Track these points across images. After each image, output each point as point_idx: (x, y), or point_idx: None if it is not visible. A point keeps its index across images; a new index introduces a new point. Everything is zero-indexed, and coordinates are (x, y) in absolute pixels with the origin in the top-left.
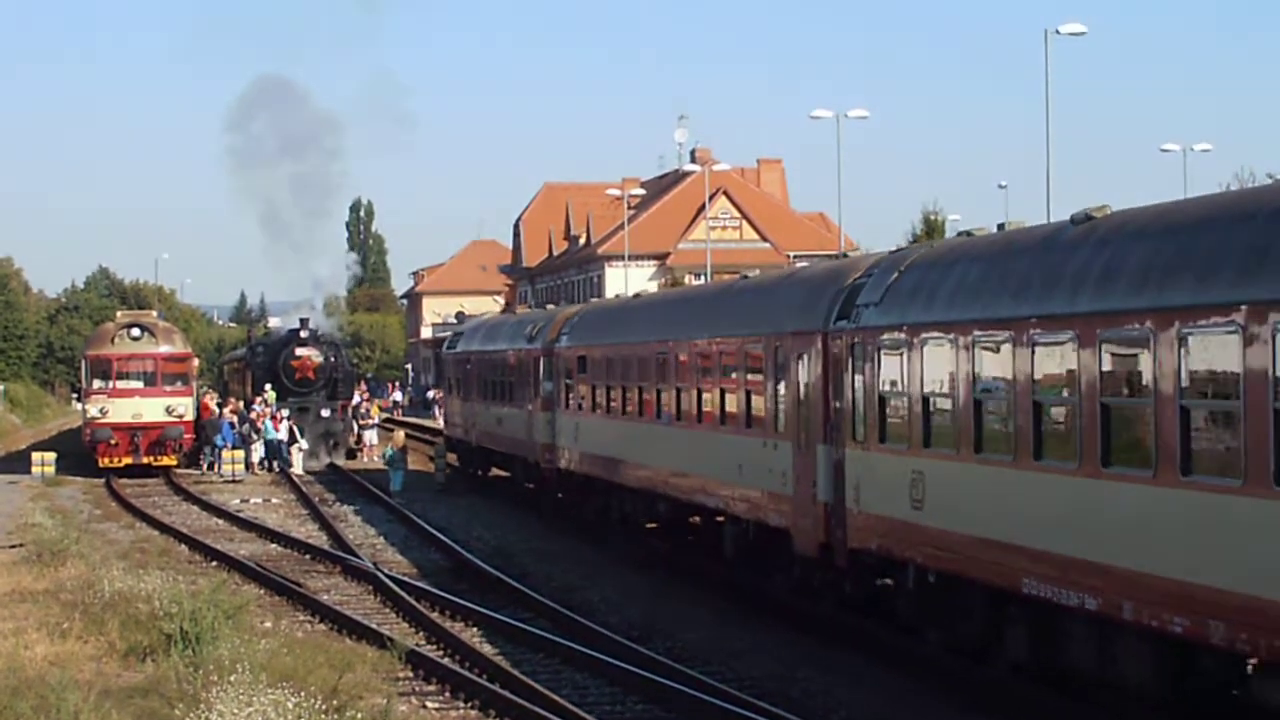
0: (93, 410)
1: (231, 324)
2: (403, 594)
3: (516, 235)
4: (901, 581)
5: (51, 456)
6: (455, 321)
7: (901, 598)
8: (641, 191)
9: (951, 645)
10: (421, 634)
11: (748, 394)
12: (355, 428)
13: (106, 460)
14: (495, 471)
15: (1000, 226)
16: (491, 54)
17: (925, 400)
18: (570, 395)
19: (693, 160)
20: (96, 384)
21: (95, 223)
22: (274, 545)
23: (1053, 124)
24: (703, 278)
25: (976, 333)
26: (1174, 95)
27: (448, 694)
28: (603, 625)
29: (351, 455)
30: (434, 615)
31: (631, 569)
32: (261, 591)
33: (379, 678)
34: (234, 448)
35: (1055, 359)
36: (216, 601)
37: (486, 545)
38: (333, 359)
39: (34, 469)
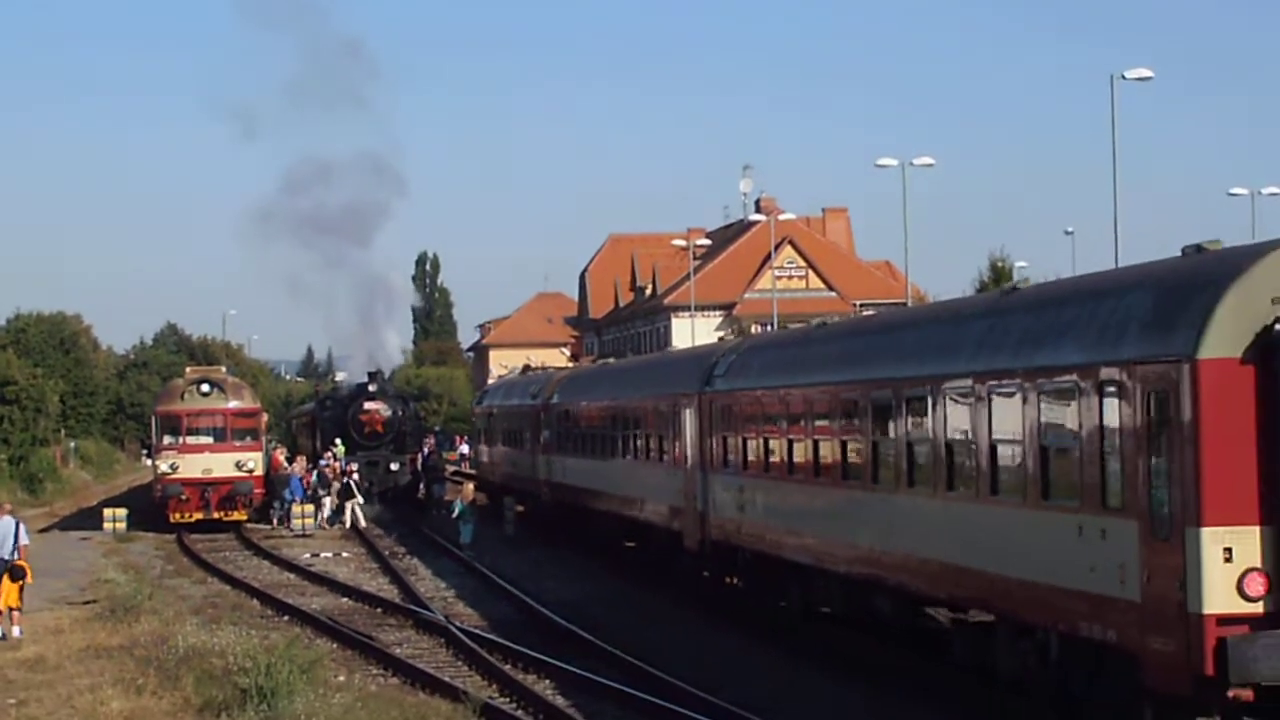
0: (163, 466)
1: (299, 379)
2: (475, 647)
3: (582, 287)
4: (738, 562)
5: (123, 512)
6: (531, 371)
7: (739, 575)
8: (707, 242)
9: (769, 603)
10: (495, 687)
11: (660, 437)
12: (427, 481)
13: (177, 516)
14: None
15: (810, 323)
16: (554, 106)
17: (743, 439)
18: (559, 441)
19: (758, 210)
20: (167, 440)
21: (162, 279)
22: (345, 599)
23: (1120, 169)
24: (769, 327)
25: (763, 394)
26: (1242, 138)
27: None
28: (675, 677)
29: (424, 508)
30: (507, 668)
31: (702, 619)
32: (334, 646)
33: None
34: (303, 502)
35: (803, 411)
36: (291, 656)
37: (557, 597)
38: (401, 412)
39: (105, 525)
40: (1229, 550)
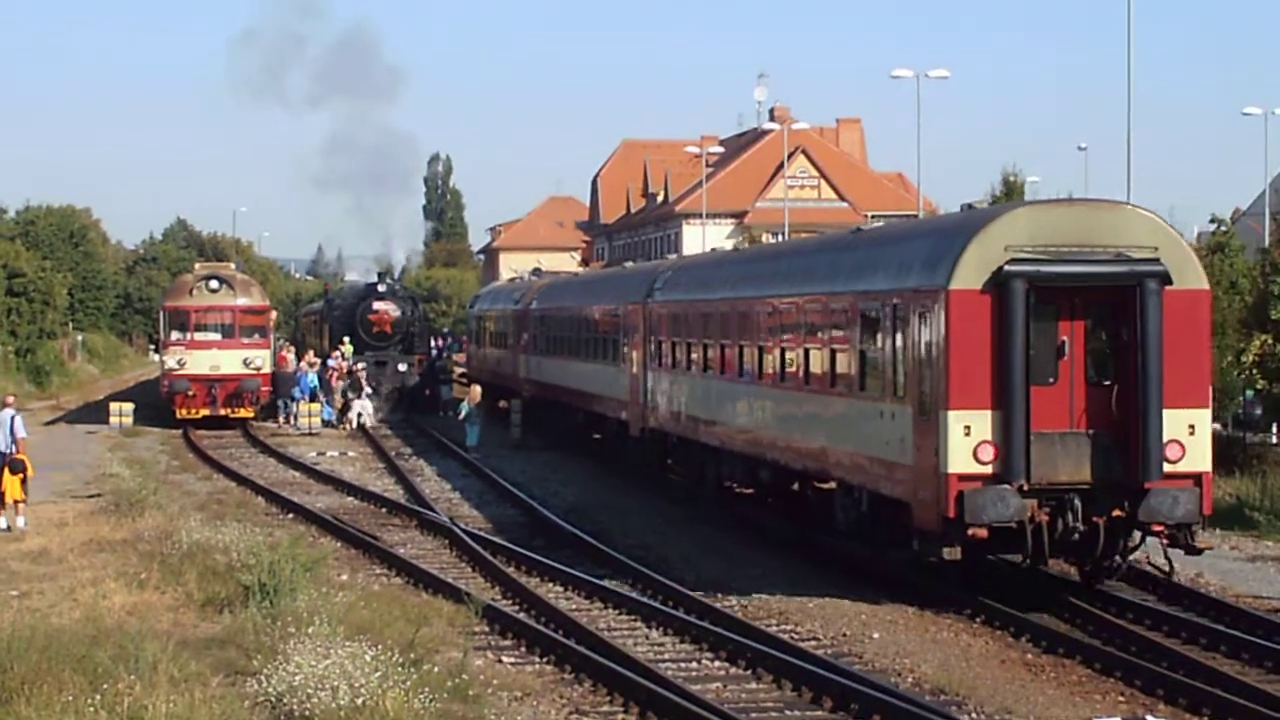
0: (170, 362)
1: (309, 277)
2: (479, 549)
3: (594, 192)
4: (669, 445)
5: (129, 407)
6: (533, 277)
7: (672, 455)
8: (720, 149)
9: (693, 478)
10: (497, 589)
11: (615, 341)
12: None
13: (184, 412)
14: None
15: (734, 246)
16: (570, 9)
17: (672, 343)
18: (536, 342)
19: (771, 119)
20: (174, 335)
21: (173, 175)
22: (350, 498)
23: (1135, 85)
24: (780, 236)
25: (685, 306)
26: (1259, 57)
27: (524, 649)
28: (678, 581)
29: (432, 409)
30: (510, 570)
31: (706, 526)
32: (338, 544)
33: (455, 632)
34: (311, 400)
35: (709, 321)
36: (294, 554)
37: (562, 501)
38: (410, 313)
39: (112, 419)
40: (968, 427)
